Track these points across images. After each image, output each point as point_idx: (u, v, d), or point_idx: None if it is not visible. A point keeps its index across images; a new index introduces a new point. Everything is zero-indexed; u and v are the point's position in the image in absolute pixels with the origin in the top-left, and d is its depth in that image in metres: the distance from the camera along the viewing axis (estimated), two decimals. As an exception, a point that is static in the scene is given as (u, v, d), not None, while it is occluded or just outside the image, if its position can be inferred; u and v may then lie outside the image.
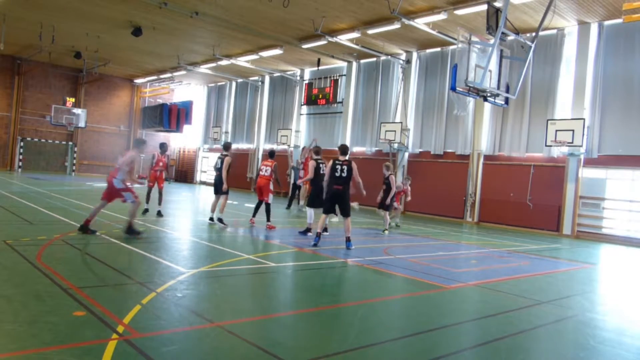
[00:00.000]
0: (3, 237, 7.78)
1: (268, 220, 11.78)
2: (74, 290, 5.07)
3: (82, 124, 30.89)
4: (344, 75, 25.30)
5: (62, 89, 33.25)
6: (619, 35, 16.10)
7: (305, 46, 21.30)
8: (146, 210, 12.81)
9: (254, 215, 12.26)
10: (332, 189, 9.55)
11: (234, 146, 32.70)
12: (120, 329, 4.07)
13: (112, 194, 8.87)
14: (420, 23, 16.87)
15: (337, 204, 9.73)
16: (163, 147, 13.58)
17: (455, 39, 14.17)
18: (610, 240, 15.82)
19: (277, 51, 23.02)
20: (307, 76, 27.77)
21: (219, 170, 11.74)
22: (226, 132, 33.29)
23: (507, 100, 13.77)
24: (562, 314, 5.90)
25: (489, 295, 6.68)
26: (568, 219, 16.74)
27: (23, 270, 5.83)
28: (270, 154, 12.43)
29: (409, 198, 16.49)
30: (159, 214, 12.59)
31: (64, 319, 4.20)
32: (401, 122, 21.65)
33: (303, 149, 16.19)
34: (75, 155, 33.99)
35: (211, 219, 11.89)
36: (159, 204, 12.82)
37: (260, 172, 12.11)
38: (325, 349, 4.12)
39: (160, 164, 13.03)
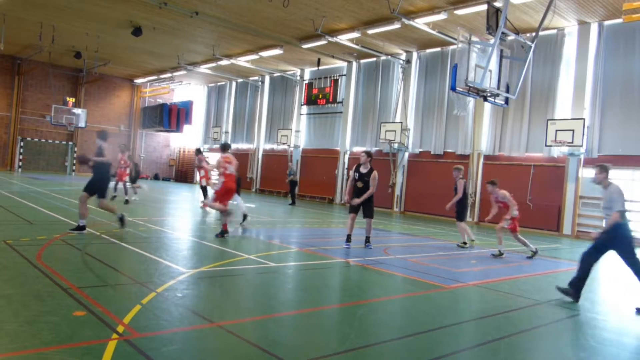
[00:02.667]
0: (3, 237, 7.78)
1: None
2: (74, 290, 5.07)
3: (82, 124, 30.87)
4: (344, 75, 25.30)
5: (62, 89, 33.24)
6: (619, 35, 16.10)
7: (305, 46, 21.30)
8: (126, 202, 15.30)
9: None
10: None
11: (233, 146, 32.79)
12: (120, 329, 4.07)
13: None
14: (420, 23, 16.87)
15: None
16: (121, 147, 16.82)
17: (455, 39, 14.16)
18: (610, 240, 15.80)
19: (277, 51, 23.02)
20: (307, 76, 27.77)
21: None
22: (226, 132, 33.30)
23: (507, 100, 13.77)
24: (562, 314, 5.90)
25: (489, 295, 6.68)
26: (568, 219, 16.74)
27: (23, 270, 5.83)
28: (197, 151, 14.56)
29: (514, 212, 10.55)
30: (127, 202, 15.17)
31: (64, 319, 4.20)
32: (401, 122, 21.65)
33: (199, 154, 16.42)
34: (75, 155, 33.99)
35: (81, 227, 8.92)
36: (126, 194, 15.68)
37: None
38: (325, 349, 4.12)
39: (122, 162, 15.92)
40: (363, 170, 9.61)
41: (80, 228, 8.71)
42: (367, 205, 9.64)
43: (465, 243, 11.49)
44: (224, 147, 10.35)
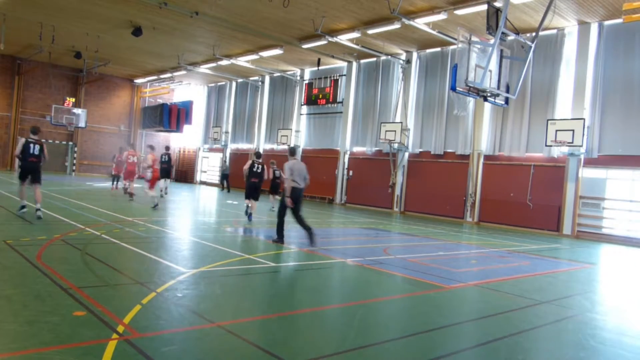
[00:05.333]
0: (3, 237, 7.78)
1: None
2: (74, 290, 5.07)
3: (82, 124, 30.88)
4: (344, 75, 25.29)
5: (62, 89, 33.24)
6: (619, 35, 16.09)
7: (305, 46, 21.30)
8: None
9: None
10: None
11: (233, 146, 32.85)
12: (120, 329, 4.07)
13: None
14: (420, 23, 16.86)
15: None
16: (120, 148, 20.08)
17: (455, 39, 14.15)
18: (610, 240, 15.82)
19: (277, 51, 23.02)
20: (307, 76, 27.77)
21: (37, 157, 10.90)
22: (226, 132, 33.30)
23: (507, 100, 13.77)
24: (562, 314, 5.90)
25: (489, 295, 6.68)
26: (568, 219, 16.74)
27: (23, 270, 5.83)
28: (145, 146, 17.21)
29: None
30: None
31: (64, 319, 4.20)
32: (401, 122, 21.65)
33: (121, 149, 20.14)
34: (75, 155, 33.99)
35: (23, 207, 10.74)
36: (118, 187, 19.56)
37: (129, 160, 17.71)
38: (325, 349, 4.12)
39: (119, 160, 19.24)
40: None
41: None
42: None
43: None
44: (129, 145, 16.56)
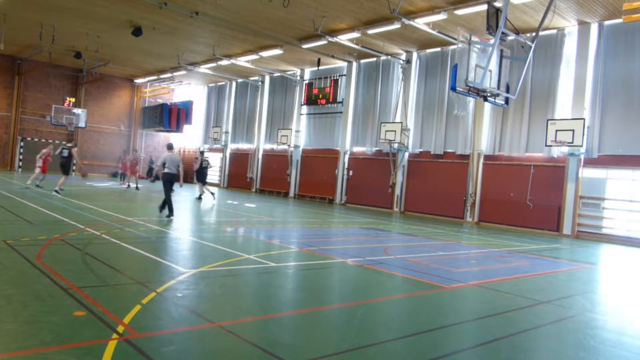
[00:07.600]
0: (3, 237, 7.77)
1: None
2: (74, 290, 5.07)
3: (82, 124, 30.85)
4: (344, 75, 25.29)
5: (62, 89, 33.23)
6: (619, 35, 16.09)
7: (305, 46, 21.29)
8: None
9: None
10: None
11: (233, 146, 32.90)
12: (120, 329, 4.07)
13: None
14: (420, 23, 16.86)
15: None
16: (125, 151, 23.21)
17: (455, 39, 14.15)
18: (610, 240, 15.82)
19: (277, 51, 23.02)
20: (307, 76, 27.76)
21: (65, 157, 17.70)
22: (226, 132, 33.29)
23: (507, 100, 13.77)
24: (562, 314, 5.90)
25: (489, 295, 6.68)
26: (568, 219, 16.74)
27: (23, 270, 5.83)
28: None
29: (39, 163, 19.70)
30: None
31: (64, 319, 4.20)
32: (401, 122, 21.65)
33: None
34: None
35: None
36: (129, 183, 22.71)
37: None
38: (325, 349, 4.12)
39: (133, 161, 23.33)
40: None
41: None
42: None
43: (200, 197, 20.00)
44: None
